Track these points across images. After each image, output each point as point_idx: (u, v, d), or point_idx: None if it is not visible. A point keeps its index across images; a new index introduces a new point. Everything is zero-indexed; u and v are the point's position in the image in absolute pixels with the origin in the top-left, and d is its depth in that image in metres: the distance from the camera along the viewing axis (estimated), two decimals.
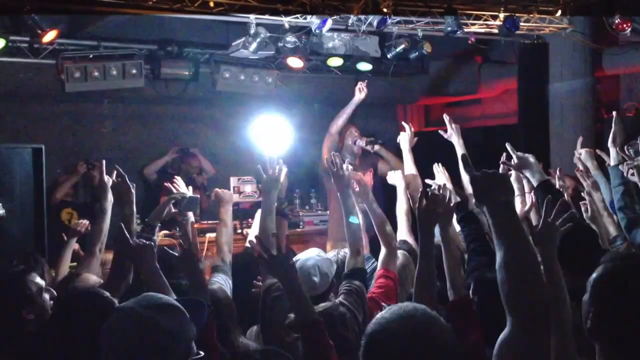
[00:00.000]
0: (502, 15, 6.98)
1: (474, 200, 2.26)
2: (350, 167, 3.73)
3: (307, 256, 3.46)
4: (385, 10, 6.34)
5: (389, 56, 7.61)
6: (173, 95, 8.01)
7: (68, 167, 7.80)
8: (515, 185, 3.96)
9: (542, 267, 2.17)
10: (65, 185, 7.56)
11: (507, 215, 1.97)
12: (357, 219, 3.54)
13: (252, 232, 4.15)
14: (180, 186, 4.10)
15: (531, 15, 7.20)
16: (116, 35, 7.39)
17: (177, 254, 2.90)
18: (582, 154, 4.30)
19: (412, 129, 4.83)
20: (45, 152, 6.23)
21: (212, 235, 5.89)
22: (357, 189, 3.86)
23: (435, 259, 2.88)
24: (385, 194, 5.60)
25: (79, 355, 2.28)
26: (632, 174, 3.76)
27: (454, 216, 3.39)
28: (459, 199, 3.51)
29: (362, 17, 6.38)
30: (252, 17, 6.29)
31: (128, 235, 2.89)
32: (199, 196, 4.30)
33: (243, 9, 6.18)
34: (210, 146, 8.82)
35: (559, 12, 7.33)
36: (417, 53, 7.46)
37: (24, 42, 6.72)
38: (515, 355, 1.88)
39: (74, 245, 4.75)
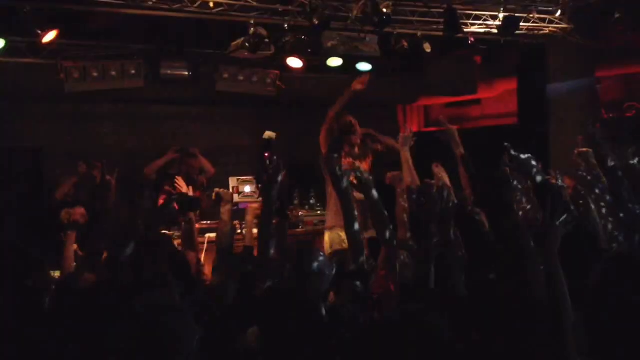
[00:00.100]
0: (501, 16, 6.99)
1: (473, 200, 2.27)
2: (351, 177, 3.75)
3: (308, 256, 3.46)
4: (385, 10, 6.35)
5: (388, 56, 7.60)
6: (173, 95, 8.01)
7: (68, 168, 7.80)
8: (515, 186, 3.96)
9: (542, 267, 2.18)
10: (65, 185, 7.55)
11: (507, 215, 1.98)
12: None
13: (248, 228, 4.15)
14: (181, 187, 4.12)
15: (531, 16, 7.21)
16: (116, 36, 7.39)
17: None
18: (581, 154, 4.31)
19: (412, 129, 4.84)
20: (45, 152, 6.23)
21: (212, 235, 5.89)
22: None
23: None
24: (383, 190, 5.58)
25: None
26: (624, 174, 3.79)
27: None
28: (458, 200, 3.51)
29: (362, 17, 6.39)
30: (251, 17, 6.30)
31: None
32: (199, 196, 4.31)
33: (243, 9, 6.19)
34: (210, 146, 8.83)
35: (559, 12, 7.34)
36: (416, 53, 7.46)
37: (24, 42, 6.72)
38: None
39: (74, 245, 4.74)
